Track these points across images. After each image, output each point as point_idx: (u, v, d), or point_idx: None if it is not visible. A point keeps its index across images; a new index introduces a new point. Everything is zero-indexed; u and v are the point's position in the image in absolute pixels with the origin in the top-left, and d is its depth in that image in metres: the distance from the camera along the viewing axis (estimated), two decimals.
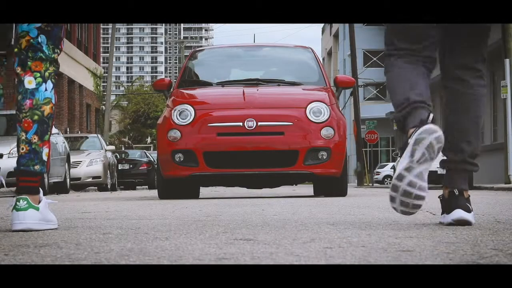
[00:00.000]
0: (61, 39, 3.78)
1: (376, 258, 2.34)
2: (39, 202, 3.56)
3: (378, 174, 48.34)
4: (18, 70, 3.74)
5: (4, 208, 7.21)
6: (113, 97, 71.72)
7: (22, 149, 3.59)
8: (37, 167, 3.58)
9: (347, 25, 52.30)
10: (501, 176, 24.60)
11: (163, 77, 16.99)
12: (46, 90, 3.65)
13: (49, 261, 2.35)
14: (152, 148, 63.21)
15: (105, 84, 44.03)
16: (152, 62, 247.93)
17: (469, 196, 3.76)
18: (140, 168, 32.24)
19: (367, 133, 40.77)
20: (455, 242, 2.82)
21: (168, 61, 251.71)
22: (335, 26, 70.47)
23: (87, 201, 9.42)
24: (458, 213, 3.64)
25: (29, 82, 3.65)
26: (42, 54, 3.70)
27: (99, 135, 27.17)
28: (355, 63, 39.66)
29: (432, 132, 3.38)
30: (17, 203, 3.52)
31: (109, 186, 24.38)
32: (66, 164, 18.97)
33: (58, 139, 18.42)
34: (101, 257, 2.43)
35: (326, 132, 9.82)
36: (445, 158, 3.77)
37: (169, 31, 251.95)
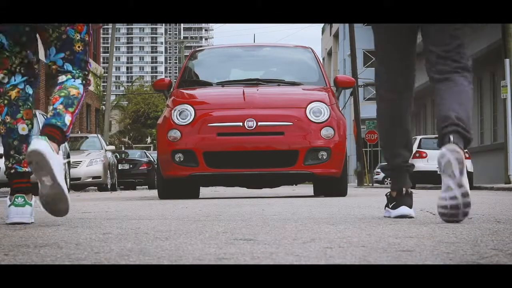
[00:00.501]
0: (87, 62, 4.24)
1: (376, 258, 2.34)
2: (31, 199, 4.25)
3: (378, 174, 48.34)
4: (59, 78, 4.20)
5: (4, 208, 7.21)
6: (113, 97, 71.70)
7: (50, 112, 3.99)
8: (59, 124, 3.95)
9: (347, 25, 52.30)
10: (501, 176, 24.60)
11: (163, 77, 17.00)
12: (74, 81, 4.13)
13: (49, 261, 2.35)
14: (152, 148, 63.22)
15: (105, 84, 44.04)
16: (152, 62, 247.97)
17: (411, 192, 4.41)
18: (140, 168, 32.24)
19: (367, 133, 40.77)
20: (455, 242, 2.82)
21: (168, 61, 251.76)
22: (335, 26, 70.47)
23: (87, 201, 9.42)
24: (403, 210, 4.31)
25: (61, 78, 4.17)
26: (73, 73, 4.18)
27: (99, 135, 27.18)
28: (355, 63, 39.66)
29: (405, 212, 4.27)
30: (16, 199, 4.12)
31: (109, 186, 24.38)
32: (66, 164, 18.96)
33: None
34: (101, 257, 2.43)
35: (326, 132, 9.82)
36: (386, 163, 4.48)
37: (169, 31, 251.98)
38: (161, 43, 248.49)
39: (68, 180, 19.14)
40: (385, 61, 4.41)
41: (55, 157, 3.84)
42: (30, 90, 4.26)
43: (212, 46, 13.54)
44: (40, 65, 4.39)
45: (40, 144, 3.78)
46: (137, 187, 32.77)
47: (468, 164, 25.29)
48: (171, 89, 10.82)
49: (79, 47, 4.22)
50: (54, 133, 3.92)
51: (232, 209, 6.05)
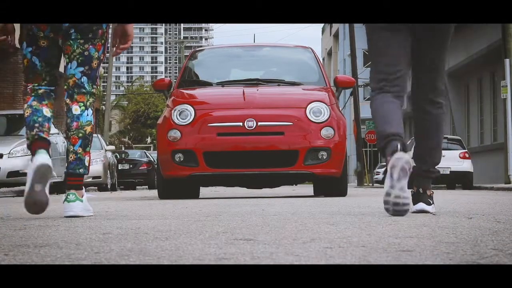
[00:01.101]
0: (97, 77, 5.07)
1: (376, 258, 2.34)
2: (82, 196, 4.91)
3: (378, 174, 48.32)
4: (67, 101, 4.98)
5: (4, 208, 7.21)
6: (113, 97, 71.72)
7: (71, 157, 4.95)
8: (81, 170, 4.95)
9: (347, 25, 52.29)
10: (501, 176, 24.60)
11: (163, 77, 17.00)
12: (87, 115, 4.95)
13: (49, 261, 2.35)
14: (152, 148, 63.23)
15: (105, 84, 44.01)
16: (152, 62, 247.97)
17: (432, 193, 5.02)
18: (140, 168, 32.24)
19: (367, 133, 40.77)
20: (455, 242, 2.83)
21: (168, 61, 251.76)
22: (335, 26, 70.47)
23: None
24: (420, 206, 4.94)
25: (76, 109, 4.95)
26: (84, 90, 4.96)
27: (99, 135, 27.18)
28: (355, 63, 39.67)
29: (401, 158, 4.45)
30: (68, 196, 4.85)
31: (109, 186, 24.37)
32: (66, 164, 18.96)
33: (58, 139, 18.42)
34: (101, 257, 2.43)
35: (326, 132, 9.82)
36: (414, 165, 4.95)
37: (169, 31, 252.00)
38: (161, 43, 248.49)
39: None
40: (385, 53, 4.87)
41: (84, 211, 4.91)
42: (53, 94, 5.07)
43: (212, 46, 13.54)
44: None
45: (73, 208, 4.84)
46: (137, 187, 32.77)
47: (468, 164, 25.29)
48: (171, 89, 10.82)
49: (95, 64, 4.98)
50: (78, 181, 4.97)
51: (232, 209, 6.05)
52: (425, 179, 5.02)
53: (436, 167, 5.06)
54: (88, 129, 4.93)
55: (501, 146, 25.48)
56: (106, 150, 24.88)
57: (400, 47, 4.80)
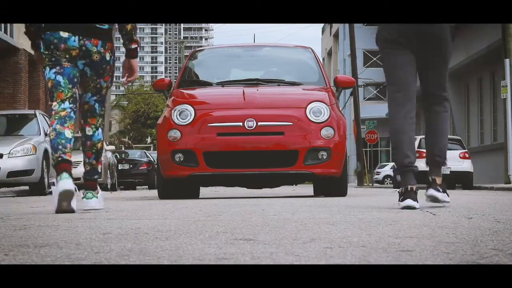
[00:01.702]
0: (105, 102, 6.26)
1: (376, 258, 2.34)
2: (98, 193, 6.11)
3: (378, 174, 48.35)
4: (82, 122, 6.17)
5: (4, 208, 7.21)
6: (113, 97, 71.71)
7: (87, 167, 6.21)
8: (96, 177, 6.22)
9: (347, 25, 52.30)
10: (501, 176, 24.60)
11: (163, 77, 16.98)
12: (98, 134, 6.18)
13: (49, 261, 2.35)
14: (152, 148, 63.22)
15: None
16: (152, 62, 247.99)
17: (443, 181, 5.93)
18: (140, 168, 32.24)
19: (367, 133, 40.77)
20: (455, 242, 2.83)
21: (168, 61, 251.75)
22: (335, 26, 70.47)
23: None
24: (431, 192, 5.87)
25: (88, 131, 6.16)
26: (95, 113, 6.17)
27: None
28: (355, 63, 39.66)
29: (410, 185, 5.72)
30: (86, 194, 6.05)
31: (109, 186, 24.37)
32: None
33: None
34: (101, 257, 2.43)
35: (326, 132, 9.81)
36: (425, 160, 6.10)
37: (169, 31, 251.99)
38: (161, 43, 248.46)
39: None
40: (399, 85, 5.86)
41: (98, 202, 6.10)
42: (73, 115, 5.87)
43: (212, 46, 13.53)
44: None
45: (90, 203, 6.04)
46: (137, 187, 32.77)
47: (468, 164, 25.29)
48: (171, 89, 10.82)
49: (104, 92, 6.17)
50: (94, 184, 6.18)
51: (232, 209, 6.05)
52: (436, 168, 5.95)
53: (443, 155, 6.08)
54: (99, 145, 6.22)
55: (501, 146, 25.48)
56: (106, 150, 24.87)
57: (408, 66, 5.82)
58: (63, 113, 5.80)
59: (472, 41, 30.89)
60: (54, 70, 5.86)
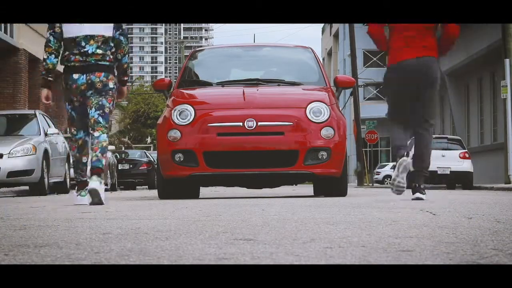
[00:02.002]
0: (109, 120, 7.99)
1: (376, 258, 2.34)
2: (101, 177, 7.67)
3: (378, 174, 48.34)
4: (90, 130, 7.84)
5: (4, 208, 7.21)
6: None
7: (93, 158, 7.70)
8: (100, 165, 7.66)
9: (347, 25, 52.28)
10: (501, 176, 24.60)
11: (163, 77, 16.96)
12: (103, 136, 7.80)
13: (49, 261, 2.35)
14: (152, 148, 63.20)
15: None
16: (152, 62, 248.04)
17: (423, 186, 8.12)
18: (140, 168, 32.23)
19: (367, 133, 40.76)
20: (455, 242, 2.83)
21: (168, 61, 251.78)
22: (335, 26, 70.47)
23: None
24: (417, 195, 7.90)
25: (96, 133, 7.78)
26: (100, 125, 7.80)
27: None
28: (355, 63, 39.66)
29: (404, 160, 7.80)
30: (92, 177, 7.55)
31: (109, 186, 24.37)
32: (66, 164, 18.96)
33: (58, 139, 18.42)
34: (101, 257, 2.43)
35: (326, 132, 9.81)
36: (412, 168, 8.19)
37: (169, 31, 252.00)
38: (161, 43, 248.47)
39: (68, 180, 19.14)
40: (396, 104, 8.22)
41: (101, 187, 7.58)
42: (87, 139, 7.98)
43: (212, 46, 13.53)
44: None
45: (95, 184, 7.52)
46: (137, 187, 32.77)
47: (468, 164, 25.29)
48: (171, 89, 10.81)
49: (107, 110, 7.83)
50: (100, 170, 7.65)
51: (232, 209, 6.05)
52: (422, 178, 8.12)
53: (427, 169, 8.18)
54: (104, 143, 7.79)
55: (501, 146, 25.48)
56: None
57: (408, 97, 8.07)
58: (80, 142, 8.04)
59: (472, 41, 30.89)
60: (70, 106, 7.94)
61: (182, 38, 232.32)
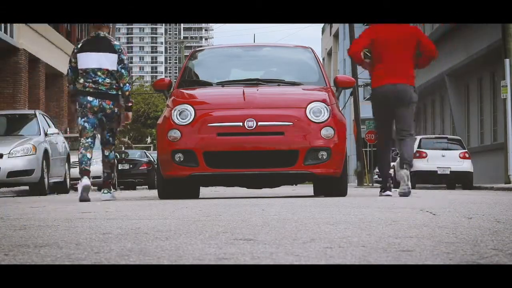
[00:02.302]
0: (115, 137, 10.36)
1: (376, 258, 2.34)
2: (111, 190, 10.28)
3: (378, 174, 48.29)
4: (102, 147, 10.30)
5: (4, 208, 7.21)
6: None
7: (104, 174, 10.34)
8: (109, 180, 10.36)
9: (347, 25, 52.29)
10: (501, 176, 24.60)
11: (163, 77, 16.94)
12: (112, 155, 10.32)
13: (49, 261, 2.35)
14: (152, 148, 63.21)
15: None
16: (152, 62, 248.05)
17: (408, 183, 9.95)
18: (140, 168, 32.24)
19: (367, 133, 40.75)
20: (455, 242, 2.83)
21: (168, 61, 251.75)
22: (335, 26, 70.47)
23: (87, 201, 9.42)
24: (388, 192, 10.16)
25: (106, 152, 10.32)
26: (110, 143, 10.28)
27: (99, 135, 27.15)
28: (355, 63, 39.63)
29: (405, 172, 10.04)
30: (103, 191, 10.11)
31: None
32: (66, 164, 18.96)
33: (58, 139, 18.42)
34: (101, 257, 2.43)
35: (326, 132, 9.81)
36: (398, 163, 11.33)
37: (169, 31, 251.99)
38: (161, 43, 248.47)
39: (68, 180, 19.15)
40: (382, 122, 10.38)
41: (110, 197, 10.07)
42: (92, 145, 9.94)
43: (212, 46, 13.53)
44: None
45: (107, 196, 10.01)
46: (137, 187, 32.77)
47: (468, 164, 25.29)
48: (171, 89, 10.81)
49: (115, 131, 10.26)
50: (108, 183, 10.28)
51: (232, 209, 6.05)
52: (405, 176, 9.82)
53: (410, 161, 10.04)
54: (112, 161, 10.31)
55: (501, 146, 25.48)
56: None
57: (386, 114, 10.24)
58: (86, 144, 9.83)
59: (472, 41, 30.89)
60: (83, 119, 9.83)
61: (182, 38, 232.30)
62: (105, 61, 9.82)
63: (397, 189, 10.15)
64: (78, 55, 9.89)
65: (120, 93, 9.94)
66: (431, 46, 10.17)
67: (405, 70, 9.99)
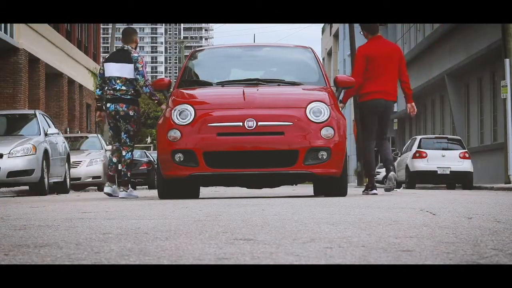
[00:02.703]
0: (133, 139, 11.49)
1: (376, 258, 2.34)
2: (128, 189, 11.41)
3: (378, 174, 48.32)
4: (121, 147, 11.32)
5: (4, 208, 7.21)
6: None
7: (121, 173, 11.41)
8: (126, 179, 11.37)
9: (347, 25, 52.27)
10: (501, 176, 24.60)
11: (163, 77, 16.93)
12: (128, 155, 11.34)
13: (49, 261, 2.35)
14: (152, 148, 63.19)
15: None
16: (152, 62, 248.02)
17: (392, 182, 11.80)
18: (140, 168, 32.24)
19: None
20: (455, 242, 2.83)
21: (168, 61, 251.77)
22: (335, 26, 70.47)
23: (87, 201, 9.43)
24: (374, 191, 11.94)
25: (123, 152, 11.32)
26: (127, 144, 11.31)
27: (99, 135, 27.19)
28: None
29: (393, 175, 12.10)
30: (120, 189, 11.37)
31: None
32: (66, 164, 18.96)
33: (58, 139, 18.42)
34: (101, 257, 2.43)
35: (326, 132, 9.81)
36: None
37: (169, 31, 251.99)
38: (161, 43, 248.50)
39: (68, 180, 19.15)
40: (371, 127, 11.90)
41: (126, 195, 11.21)
42: (120, 148, 11.31)
43: (212, 46, 13.53)
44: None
45: (123, 194, 11.16)
46: (137, 187, 32.78)
47: (468, 164, 25.29)
48: (171, 89, 10.81)
49: (132, 133, 11.30)
50: (125, 182, 11.24)
51: (232, 209, 6.05)
52: (388, 176, 11.75)
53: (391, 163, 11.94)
54: (129, 160, 11.31)
55: (501, 146, 25.48)
56: (106, 150, 24.89)
57: (375, 122, 11.80)
58: (114, 148, 11.40)
59: (472, 41, 30.89)
60: (109, 127, 11.49)
61: (182, 38, 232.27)
62: (124, 70, 11.20)
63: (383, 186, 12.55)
64: (105, 64, 11.35)
65: (134, 97, 11.30)
66: (407, 77, 12.07)
67: (394, 88, 11.84)
